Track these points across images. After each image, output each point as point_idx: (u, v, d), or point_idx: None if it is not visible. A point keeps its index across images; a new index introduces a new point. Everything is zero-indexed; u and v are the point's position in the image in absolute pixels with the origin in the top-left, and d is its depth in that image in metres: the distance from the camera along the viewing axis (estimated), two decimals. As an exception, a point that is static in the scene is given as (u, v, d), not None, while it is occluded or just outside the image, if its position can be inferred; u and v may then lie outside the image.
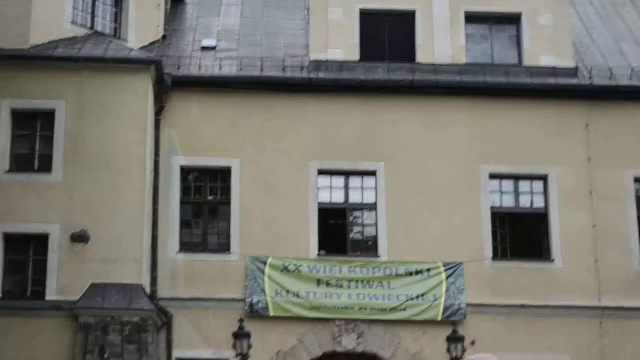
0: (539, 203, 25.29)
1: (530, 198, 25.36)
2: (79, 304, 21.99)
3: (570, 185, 25.02)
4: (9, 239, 22.80)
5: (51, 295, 22.26)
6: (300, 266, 23.79)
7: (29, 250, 22.92)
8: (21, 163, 23.45)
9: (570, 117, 25.46)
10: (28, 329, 21.86)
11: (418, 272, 24.00)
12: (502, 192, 25.27)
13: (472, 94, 25.33)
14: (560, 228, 24.80)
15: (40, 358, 19.76)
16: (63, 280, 22.33)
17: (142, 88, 23.86)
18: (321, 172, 24.80)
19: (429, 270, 24.02)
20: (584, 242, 24.60)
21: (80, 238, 22.61)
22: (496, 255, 24.62)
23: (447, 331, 23.00)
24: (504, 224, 25.11)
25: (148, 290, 23.07)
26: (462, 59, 25.89)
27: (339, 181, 25.01)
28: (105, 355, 21.56)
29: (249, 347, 22.22)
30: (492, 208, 24.92)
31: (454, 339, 22.85)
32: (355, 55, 25.83)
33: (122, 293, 22.26)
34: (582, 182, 25.03)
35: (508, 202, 25.29)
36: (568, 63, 26.05)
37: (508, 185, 25.31)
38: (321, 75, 25.35)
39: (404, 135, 24.96)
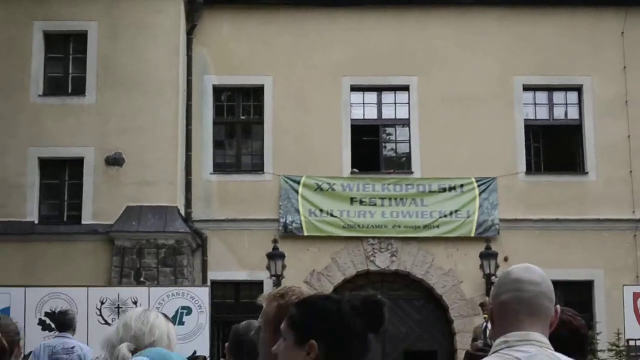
0: (573, 114, 25.07)
1: (564, 109, 25.15)
2: (114, 227, 22.36)
3: (605, 95, 24.69)
4: (44, 163, 23.09)
5: (87, 219, 22.63)
6: (333, 184, 23.89)
7: (64, 174, 23.23)
8: (54, 86, 23.60)
9: (605, 25, 24.98)
10: (65, 253, 22.27)
11: (451, 188, 24.01)
12: (535, 104, 25.05)
13: (505, 4, 24.90)
14: (594, 139, 24.60)
15: (77, 281, 20.01)
16: (98, 204, 22.65)
17: (174, 7, 23.75)
18: (353, 88, 24.70)
19: (462, 186, 24.02)
20: (619, 153, 24.37)
21: (114, 161, 22.86)
22: (529, 169, 24.57)
23: (480, 247, 23.17)
24: (538, 136, 24.98)
25: (182, 212, 23.31)
26: (495, -31, 25.44)
27: (372, 97, 24.93)
28: (141, 278, 21.96)
29: (283, 267, 22.54)
30: (526, 120, 24.73)
31: (487, 255, 23.02)
32: (387, -32, 25.48)
33: (157, 215, 22.56)
34: (618, 92, 24.66)
35: (542, 114, 25.10)
36: (603, -31, 25.51)
37: (542, 96, 25.08)
38: (352, -11, 25.07)
39: (436, 48, 24.70)
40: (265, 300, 4.09)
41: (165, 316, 4.51)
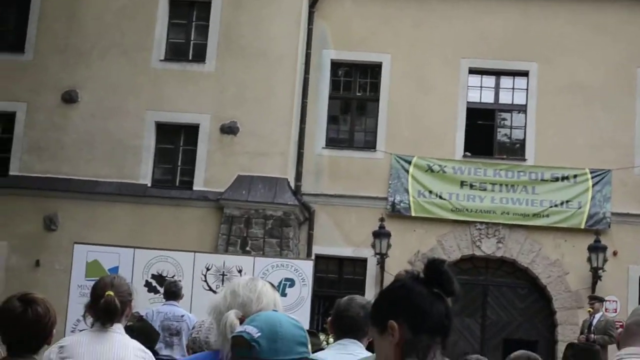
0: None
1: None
2: (224, 195, 22.62)
3: None
4: (161, 127, 23.46)
5: (198, 185, 22.95)
6: (444, 167, 23.76)
7: (179, 139, 23.57)
8: (176, 52, 23.94)
9: None
10: (174, 218, 22.65)
11: (564, 178, 23.68)
12: (658, 95, 24.53)
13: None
14: None
15: (184, 246, 20.30)
16: (210, 171, 22.94)
17: (298, -20, 23.87)
18: (472, 71, 24.51)
19: (575, 176, 23.67)
20: None
21: (229, 129, 23.09)
22: (646, 163, 24.11)
23: (589, 240, 22.81)
24: (659, 129, 24.49)
25: (292, 184, 23.45)
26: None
27: (490, 80, 24.70)
28: (247, 247, 22.17)
29: (388, 246, 22.55)
30: (647, 114, 24.25)
31: (596, 248, 22.67)
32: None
33: (267, 186, 22.74)
34: None
35: (664, 105, 24.56)
36: None
37: (665, 88, 24.54)
38: (477, -29, 24.82)
39: (557, 35, 24.30)
40: None
41: (272, 285, 4.55)
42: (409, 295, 3.31)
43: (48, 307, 4.54)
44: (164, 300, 14.61)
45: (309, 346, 3.81)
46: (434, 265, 3.33)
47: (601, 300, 20.25)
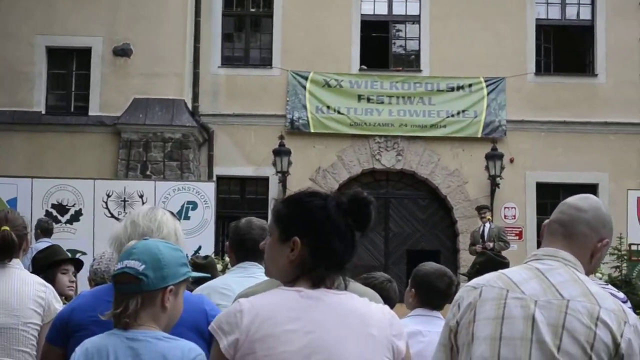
0: (585, 14, 24.81)
1: (576, 9, 24.88)
2: (121, 120, 22.35)
3: (618, -4, 24.42)
4: (52, 52, 22.99)
5: (94, 110, 22.60)
6: (341, 81, 23.75)
7: (72, 64, 23.13)
8: (62, -26, 23.35)
9: None
10: (72, 145, 22.29)
11: (459, 88, 23.85)
12: (548, 3, 24.73)
13: None
14: (605, 41, 24.35)
15: (83, 173, 20.01)
16: (106, 95, 22.61)
17: None
18: (364, -18, 24.45)
19: (470, 85, 23.87)
20: (630, 56, 24.06)
21: (122, 52, 22.74)
22: (539, 70, 24.43)
23: (487, 148, 23.10)
24: (549, 37, 24.78)
25: (190, 105, 23.25)
26: None
27: (383, -8, 24.65)
28: (147, 172, 21.99)
29: (289, 163, 22.57)
30: (537, 20, 24.46)
31: (493, 156, 22.96)
32: None
33: (164, 109, 22.51)
34: (631, -7, 24.40)
35: (554, 13, 24.82)
36: None
37: (555, -4, 24.83)
38: None
39: (449, -56, 24.33)
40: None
41: (172, 214, 4.53)
42: (325, 220, 3.31)
43: None
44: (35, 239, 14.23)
45: (189, 265, 3.85)
46: (359, 202, 3.33)
47: (489, 208, 20.70)
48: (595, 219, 3.76)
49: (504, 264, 6.50)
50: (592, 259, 3.77)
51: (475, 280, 3.77)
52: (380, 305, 3.44)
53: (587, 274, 3.74)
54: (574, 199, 3.86)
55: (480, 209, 20.18)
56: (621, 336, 3.49)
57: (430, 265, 6.24)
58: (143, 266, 3.66)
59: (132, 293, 3.66)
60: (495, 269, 6.93)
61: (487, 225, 19.43)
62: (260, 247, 3.66)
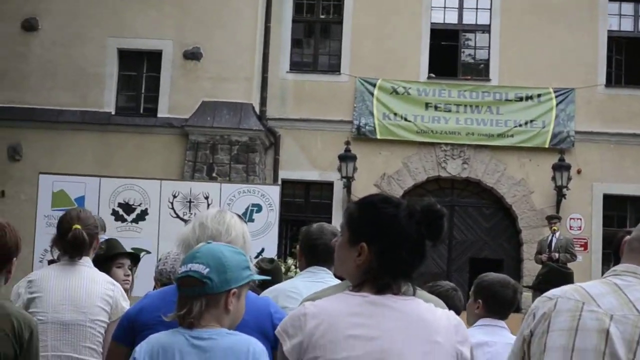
0: (658, 26, 24.58)
1: (649, 22, 24.66)
2: (189, 122, 22.54)
3: (694, 10, 24.13)
4: (123, 54, 23.27)
5: (163, 112, 22.84)
6: (409, 89, 23.73)
7: (142, 66, 23.39)
8: (136, -23, 23.63)
9: None
10: (140, 145, 22.54)
11: (528, 98, 23.73)
12: (620, 15, 24.54)
13: None
14: (679, 53, 24.12)
15: (150, 174, 20.17)
16: (175, 98, 22.82)
17: None
18: (436, -9, 24.40)
19: (539, 95, 23.73)
20: (703, 68, 23.88)
21: (192, 55, 22.93)
22: (609, 82, 24.20)
23: (554, 159, 22.97)
24: (621, 48, 24.55)
25: (257, 109, 23.37)
26: None
27: (453, 0, 24.53)
28: (213, 174, 22.14)
29: (354, 169, 22.59)
30: (609, 31, 24.24)
31: (560, 166, 22.83)
32: None
33: (232, 112, 22.66)
34: None
35: (626, 25, 24.61)
36: None
37: (628, 7, 24.55)
38: None
39: (522, -46, 24.20)
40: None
41: (240, 217, 4.57)
42: (395, 228, 3.32)
43: (7, 230, 4.42)
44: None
45: (252, 267, 3.89)
46: (433, 213, 3.34)
47: (560, 219, 20.55)
48: None
49: (568, 275, 6.50)
50: None
51: (552, 292, 3.75)
52: (446, 311, 3.44)
53: None
54: None
55: (550, 219, 20.05)
56: None
57: (493, 275, 6.25)
58: (207, 269, 3.72)
59: (197, 295, 3.72)
60: (559, 280, 6.88)
61: (556, 235, 19.31)
62: (331, 244, 3.67)
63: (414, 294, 3.38)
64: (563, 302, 3.64)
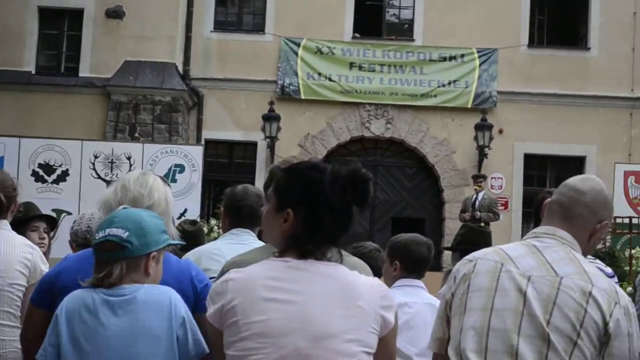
0: (579, -12, 24.80)
1: (572, -17, 24.88)
2: (111, 82, 22.26)
3: (614, -30, 24.35)
4: (44, 12, 22.89)
5: (84, 71, 22.53)
6: (333, 48, 23.69)
7: (64, 25, 23.01)
8: None
9: None
10: (61, 105, 22.20)
11: (451, 58, 23.84)
12: (542, -24, 24.75)
13: None
14: (600, 15, 24.30)
15: (72, 134, 19.85)
16: (96, 57, 22.52)
17: None
18: (358, -50, 24.30)
19: (462, 56, 23.85)
20: (623, 30, 24.05)
21: (115, 13, 22.61)
22: (532, 42, 24.39)
23: (476, 119, 23.16)
24: (543, 9, 24.72)
25: (181, 69, 23.17)
26: None
27: (377, -40, 24.51)
28: (136, 134, 21.91)
29: (278, 129, 22.55)
30: (532, -8, 24.45)
31: (482, 126, 23.03)
32: None
33: (155, 72, 22.43)
34: (626, -33, 24.32)
35: (549, -14, 24.82)
36: None
37: (549, -32, 24.77)
38: None
39: None
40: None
41: (163, 179, 4.52)
42: (320, 194, 3.29)
43: None
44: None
45: (174, 231, 3.88)
46: (358, 178, 3.31)
47: (485, 178, 20.73)
48: (594, 201, 3.79)
49: (486, 234, 6.56)
50: (591, 240, 3.82)
51: (473, 254, 3.81)
52: (371, 278, 3.43)
53: (585, 254, 3.79)
54: (574, 180, 3.87)
55: (476, 178, 20.21)
56: (610, 316, 3.53)
57: (406, 235, 6.26)
58: (127, 233, 3.70)
59: (117, 259, 3.69)
60: (477, 240, 6.96)
61: (481, 194, 19.49)
62: (260, 213, 3.66)
63: (340, 261, 3.37)
64: (482, 264, 3.70)
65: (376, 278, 3.49)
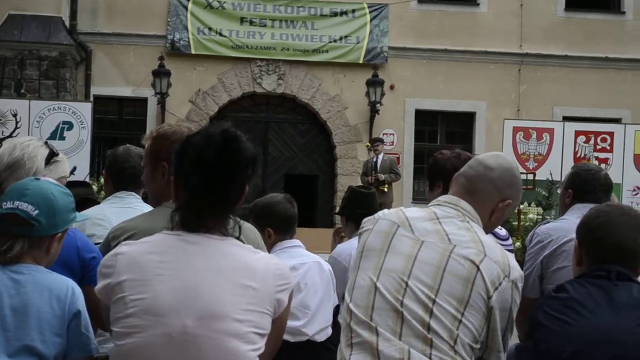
0: (469, -56, 24.94)
1: (461, -63, 24.99)
2: (-5, 36, 21.71)
3: None
4: None
5: (-34, 31, 21.89)
6: (224, 3, 23.41)
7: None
8: None
9: None
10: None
11: (343, 13, 23.81)
12: None
13: None
14: (489, -30, 24.56)
15: (-45, 90, 19.55)
16: (-21, 10, 21.89)
17: None
18: None
19: (353, 11, 23.83)
20: (512, -14, 24.41)
21: (-4, -35, 22.00)
22: (422, -2, 24.52)
23: (368, 74, 23.20)
24: (433, -36, 24.85)
25: (67, 23, 22.60)
26: None
27: None
28: (22, 90, 21.39)
29: (169, 85, 22.29)
30: (424, -53, 24.49)
31: (374, 82, 23.09)
32: None
33: (40, 26, 21.88)
34: None
35: (439, -58, 24.89)
36: None
37: None
38: None
39: None
40: (147, 139, 4.04)
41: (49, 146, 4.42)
42: (197, 157, 3.16)
43: None
44: None
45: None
46: (228, 138, 3.18)
47: (383, 141, 20.84)
48: (500, 178, 3.80)
49: (370, 195, 6.55)
50: (492, 217, 3.82)
51: (379, 213, 3.83)
52: (265, 255, 3.34)
53: (486, 231, 3.78)
54: (485, 156, 3.90)
55: (373, 142, 20.29)
56: (495, 289, 3.54)
57: (268, 196, 6.12)
58: (36, 211, 3.56)
59: (21, 235, 3.54)
60: (362, 200, 6.99)
61: (380, 156, 19.59)
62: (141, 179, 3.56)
63: (239, 233, 3.26)
64: (381, 224, 3.76)
65: (272, 256, 3.41)
